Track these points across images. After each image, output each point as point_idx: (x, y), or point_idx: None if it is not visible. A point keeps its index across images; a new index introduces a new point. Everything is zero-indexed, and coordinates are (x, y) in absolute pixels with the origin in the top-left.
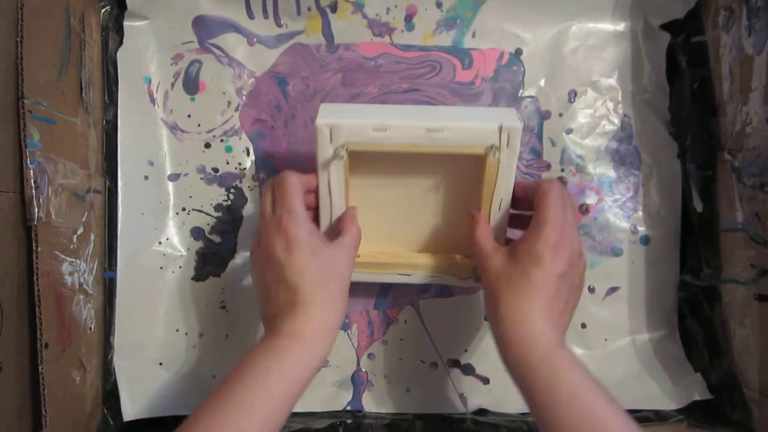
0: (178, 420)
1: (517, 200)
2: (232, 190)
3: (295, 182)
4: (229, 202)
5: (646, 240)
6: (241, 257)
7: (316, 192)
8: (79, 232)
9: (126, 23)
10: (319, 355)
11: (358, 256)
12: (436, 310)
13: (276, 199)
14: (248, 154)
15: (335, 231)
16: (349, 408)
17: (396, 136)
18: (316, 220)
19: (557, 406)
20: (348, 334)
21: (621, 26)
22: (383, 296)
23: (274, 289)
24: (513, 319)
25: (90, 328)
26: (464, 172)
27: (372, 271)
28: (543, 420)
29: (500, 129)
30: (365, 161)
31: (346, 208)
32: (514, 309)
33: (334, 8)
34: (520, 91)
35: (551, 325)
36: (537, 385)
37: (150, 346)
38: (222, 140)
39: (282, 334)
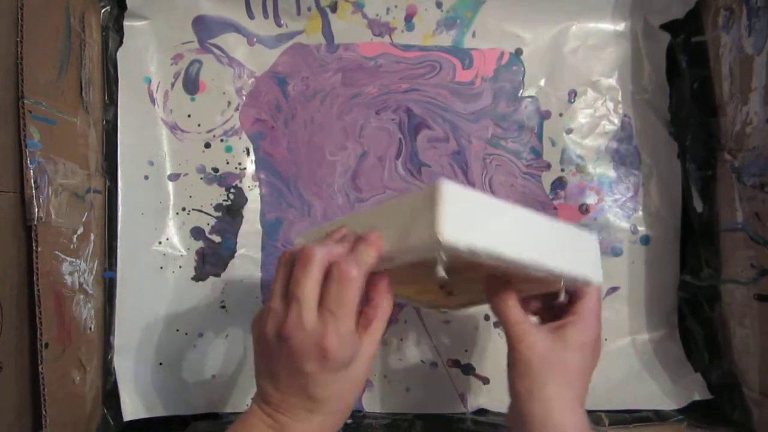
0: (178, 420)
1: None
2: (232, 190)
3: (358, 284)
4: (229, 202)
5: (646, 240)
6: (241, 257)
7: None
8: (79, 232)
9: (126, 23)
10: None
11: None
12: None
13: (326, 297)
14: (248, 154)
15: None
16: None
17: None
18: None
19: None
20: None
21: (621, 26)
22: None
23: (286, 385)
24: (560, 398)
25: (90, 328)
26: None
27: None
28: None
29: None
30: None
31: (382, 279)
32: (562, 392)
33: (334, 8)
34: (520, 91)
35: (585, 413)
36: None
37: (150, 346)
38: (222, 140)
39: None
